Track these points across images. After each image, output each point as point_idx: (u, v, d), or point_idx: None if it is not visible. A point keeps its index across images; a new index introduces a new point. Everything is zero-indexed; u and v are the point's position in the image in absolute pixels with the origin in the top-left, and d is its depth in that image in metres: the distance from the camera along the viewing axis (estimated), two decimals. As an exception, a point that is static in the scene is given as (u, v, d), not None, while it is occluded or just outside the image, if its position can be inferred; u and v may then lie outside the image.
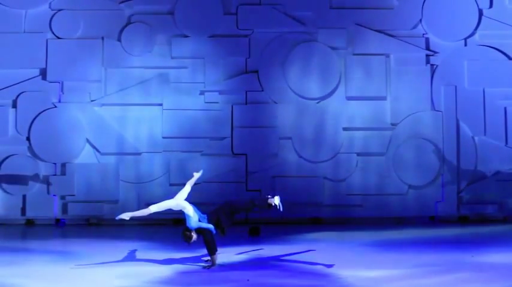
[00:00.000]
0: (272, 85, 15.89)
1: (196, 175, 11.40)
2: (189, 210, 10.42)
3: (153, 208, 10.54)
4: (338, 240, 12.93)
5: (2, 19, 15.69)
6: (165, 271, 9.96)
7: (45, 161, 15.63)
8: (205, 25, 15.86)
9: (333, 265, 10.26)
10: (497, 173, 15.80)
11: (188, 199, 15.63)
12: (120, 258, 11.12)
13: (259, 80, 15.89)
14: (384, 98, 15.93)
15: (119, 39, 15.81)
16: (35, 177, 15.58)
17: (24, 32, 15.74)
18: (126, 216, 10.41)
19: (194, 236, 10.26)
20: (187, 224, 10.35)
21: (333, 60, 15.90)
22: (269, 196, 10.70)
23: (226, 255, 10.65)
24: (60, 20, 15.76)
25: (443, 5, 15.92)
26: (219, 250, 10.44)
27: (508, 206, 15.81)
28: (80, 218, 15.71)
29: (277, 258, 10.99)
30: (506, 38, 15.91)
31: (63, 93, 15.77)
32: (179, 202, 10.68)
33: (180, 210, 10.50)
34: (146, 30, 15.81)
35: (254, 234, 12.92)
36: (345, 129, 15.85)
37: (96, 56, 15.77)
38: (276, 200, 10.75)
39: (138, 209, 15.47)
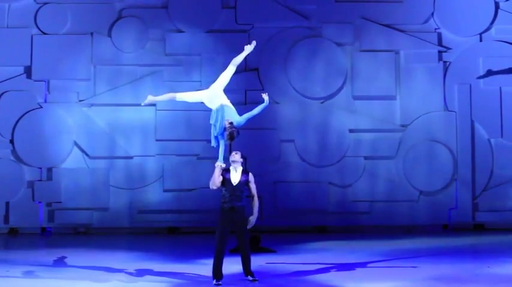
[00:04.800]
0: (273, 84, 15.90)
1: (249, 48, 10.64)
2: (228, 103, 10.02)
3: (180, 95, 10.36)
4: (344, 250, 12.90)
5: (-17, 13, 15.74)
6: (160, 285, 9.83)
7: (30, 166, 15.62)
8: (201, 19, 15.85)
9: (339, 276, 10.19)
10: (516, 177, 15.84)
11: (187, 205, 15.71)
12: (110, 270, 10.97)
13: (259, 79, 15.91)
14: (393, 98, 15.94)
15: (109, 35, 15.82)
16: (19, 182, 15.54)
17: (7, 27, 15.75)
18: (149, 100, 10.53)
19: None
20: (230, 120, 9.88)
21: (339, 57, 15.91)
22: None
23: (226, 267, 10.57)
24: (46, 14, 15.77)
25: (457, -2, 15.97)
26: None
27: (527, 213, 15.86)
28: (67, 226, 15.68)
29: (279, 269, 10.93)
30: (524, 33, 16.00)
31: (49, 92, 15.77)
32: (215, 90, 10.25)
33: None
34: (138, 25, 15.82)
35: (254, 244, 12.87)
36: (351, 131, 15.84)
37: (85, 53, 15.76)
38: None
39: (129, 217, 15.66)
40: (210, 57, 15.74)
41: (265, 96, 10.29)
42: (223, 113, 10.06)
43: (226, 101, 10.21)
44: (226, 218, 9.80)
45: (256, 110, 10.17)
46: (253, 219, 9.86)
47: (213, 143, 10.19)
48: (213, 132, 10.13)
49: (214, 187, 9.88)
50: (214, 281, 9.75)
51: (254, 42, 10.71)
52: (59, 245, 13.69)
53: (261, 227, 14.85)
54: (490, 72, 15.75)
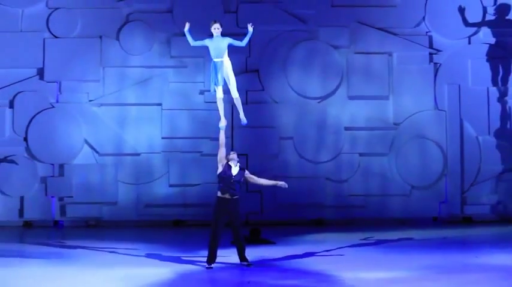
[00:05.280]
0: (273, 84, 15.92)
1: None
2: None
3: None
4: (341, 241, 12.87)
5: (-1, 18, 15.78)
6: (166, 273, 9.94)
7: (43, 162, 15.62)
8: (205, 23, 15.68)
9: (335, 266, 10.26)
10: (502, 173, 15.84)
11: (191, 199, 15.73)
12: (120, 260, 11.11)
13: (259, 79, 15.91)
14: (386, 98, 15.95)
15: (117, 38, 15.82)
16: (33, 178, 15.57)
17: (21, 31, 15.74)
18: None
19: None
20: None
21: (335, 59, 15.92)
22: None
23: (227, 257, 10.67)
24: (57, 18, 15.77)
25: (447, 3, 15.94)
26: (224, 252, 10.51)
27: (512, 206, 15.93)
28: (78, 219, 15.71)
29: (278, 260, 11.00)
30: (510, 36, 15.96)
31: (60, 93, 15.77)
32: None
33: None
34: (145, 28, 15.82)
35: (255, 236, 12.94)
36: (346, 129, 15.86)
37: (94, 55, 15.76)
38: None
39: (137, 210, 15.66)
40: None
41: (250, 27, 11.01)
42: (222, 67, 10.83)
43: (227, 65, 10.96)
44: (222, 207, 10.31)
45: (245, 41, 10.97)
46: (280, 182, 10.64)
47: (212, 89, 11.02)
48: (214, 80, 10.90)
49: (224, 151, 10.58)
50: (206, 265, 10.22)
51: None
52: (71, 237, 13.72)
53: (261, 220, 14.98)
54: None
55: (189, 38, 10.98)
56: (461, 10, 15.74)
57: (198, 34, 11.00)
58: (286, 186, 10.63)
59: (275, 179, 15.40)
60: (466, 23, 15.84)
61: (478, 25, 15.91)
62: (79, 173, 15.61)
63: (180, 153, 15.72)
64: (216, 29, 10.88)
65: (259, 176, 10.82)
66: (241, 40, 10.96)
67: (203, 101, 15.67)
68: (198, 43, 10.96)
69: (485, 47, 15.93)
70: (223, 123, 10.92)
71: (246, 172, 10.59)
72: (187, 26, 11.00)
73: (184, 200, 15.69)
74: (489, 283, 9.15)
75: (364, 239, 13.15)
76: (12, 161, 15.46)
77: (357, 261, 10.92)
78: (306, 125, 15.86)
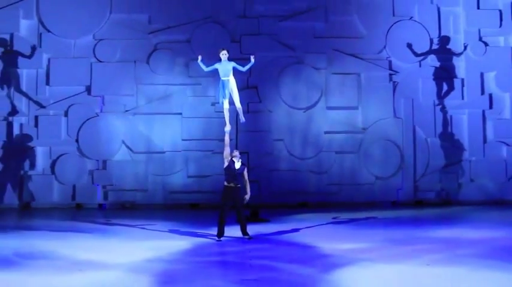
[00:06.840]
0: (268, 98, 15.92)
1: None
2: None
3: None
4: (320, 220, 12.89)
5: (57, 47, 15.75)
6: (185, 244, 10.01)
7: (90, 159, 15.67)
8: (215, 51, 15.71)
9: (316, 239, 10.30)
10: (445, 167, 15.89)
11: (205, 187, 15.75)
12: (149, 234, 11.16)
13: (258, 94, 15.93)
14: (356, 108, 15.98)
15: (148, 62, 15.84)
16: (83, 171, 15.64)
17: (73, 57, 15.79)
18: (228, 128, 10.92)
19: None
20: None
21: (316, 78, 15.93)
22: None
23: (232, 232, 10.70)
24: (101, 47, 15.81)
25: (403, 35, 15.97)
26: (230, 228, 10.55)
27: (453, 192, 15.88)
28: (117, 203, 15.73)
29: (273, 234, 11.05)
30: (450, 61, 16.00)
31: (104, 105, 15.80)
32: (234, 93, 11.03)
33: None
34: (169, 54, 15.84)
35: (254, 215, 12.97)
36: (326, 132, 15.87)
37: (130, 76, 15.78)
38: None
39: (163, 196, 15.67)
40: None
41: (252, 59, 11.01)
42: (228, 84, 10.88)
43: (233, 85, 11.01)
44: (227, 193, 10.38)
45: (246, 67, 10.99)
46: (247, 196, 10.52)
47: (220, 101, 11.02)
48: (221, 95, 10.91)
49: (228, 150, 10.56)
50: (216, 238, 10.22)
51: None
52: (112, 217, 13.74)
53: (259, 203, 15.00)
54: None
55: (202, 66, 10.99)
56: (409, 46, 15.84)
57: (210, 58, 11.09)
58: (245, 201, 10.51)
59: (269, 172, 15.61)
60: (415, 55, 15.93)
61: (425, 54, 15.99)
62: (118, 166, 15.63)
63: (196, 151, 15.72)
64: (223, 54, 10.94)
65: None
66: (243, 66, 10.99)
67: (214, 111, 15.70)
68: (210, 68, 11.00)
69: (432, 69, 15.99)
70: (228, 128, 10.96)
71: (245, 168, 10.60)
72: (199, 58, 11.03)
73: (199, 188, 15.68)
74: (433, 251, 9.19)
75: (338, 218, 13.18)
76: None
77: (332, 235, 10.94)
78: (294, 129, 15.86)
